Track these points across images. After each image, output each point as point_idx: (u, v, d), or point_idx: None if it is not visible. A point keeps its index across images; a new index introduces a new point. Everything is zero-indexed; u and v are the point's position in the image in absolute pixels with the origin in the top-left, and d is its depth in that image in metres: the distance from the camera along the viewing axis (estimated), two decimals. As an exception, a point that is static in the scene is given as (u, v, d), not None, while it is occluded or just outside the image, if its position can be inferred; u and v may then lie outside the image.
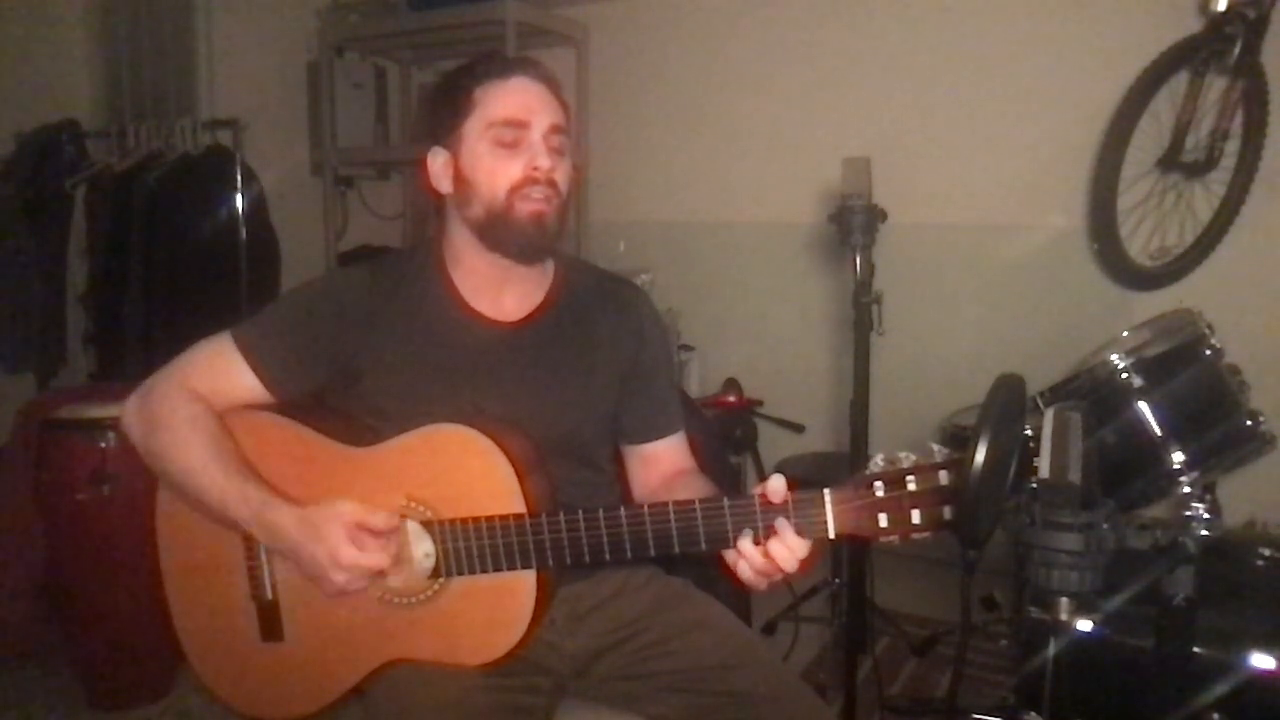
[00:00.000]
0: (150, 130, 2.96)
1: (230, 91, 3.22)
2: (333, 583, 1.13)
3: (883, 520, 1.05)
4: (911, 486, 1.04)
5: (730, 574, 1.12)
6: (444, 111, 1.25)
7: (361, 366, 1.24)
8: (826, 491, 1.06)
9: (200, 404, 1.20)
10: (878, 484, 1.05)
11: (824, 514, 1.06)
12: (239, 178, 2.95)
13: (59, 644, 2.29)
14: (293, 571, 1.19)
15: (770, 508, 1.07)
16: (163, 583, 1.29)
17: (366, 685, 1.21)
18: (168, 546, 1.29)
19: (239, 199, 2.96)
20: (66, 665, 2.29)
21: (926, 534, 1.05)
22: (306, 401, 1.27)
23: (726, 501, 1.09)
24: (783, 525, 1.06)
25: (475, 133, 1.21)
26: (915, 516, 1.04)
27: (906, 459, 1.06)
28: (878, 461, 1.07)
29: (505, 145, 1.20)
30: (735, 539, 1.08)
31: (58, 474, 2.14)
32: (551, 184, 1.21)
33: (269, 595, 1.23)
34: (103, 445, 2.11)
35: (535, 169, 1.20)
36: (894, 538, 1.06)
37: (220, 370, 1.22)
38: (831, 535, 1.06)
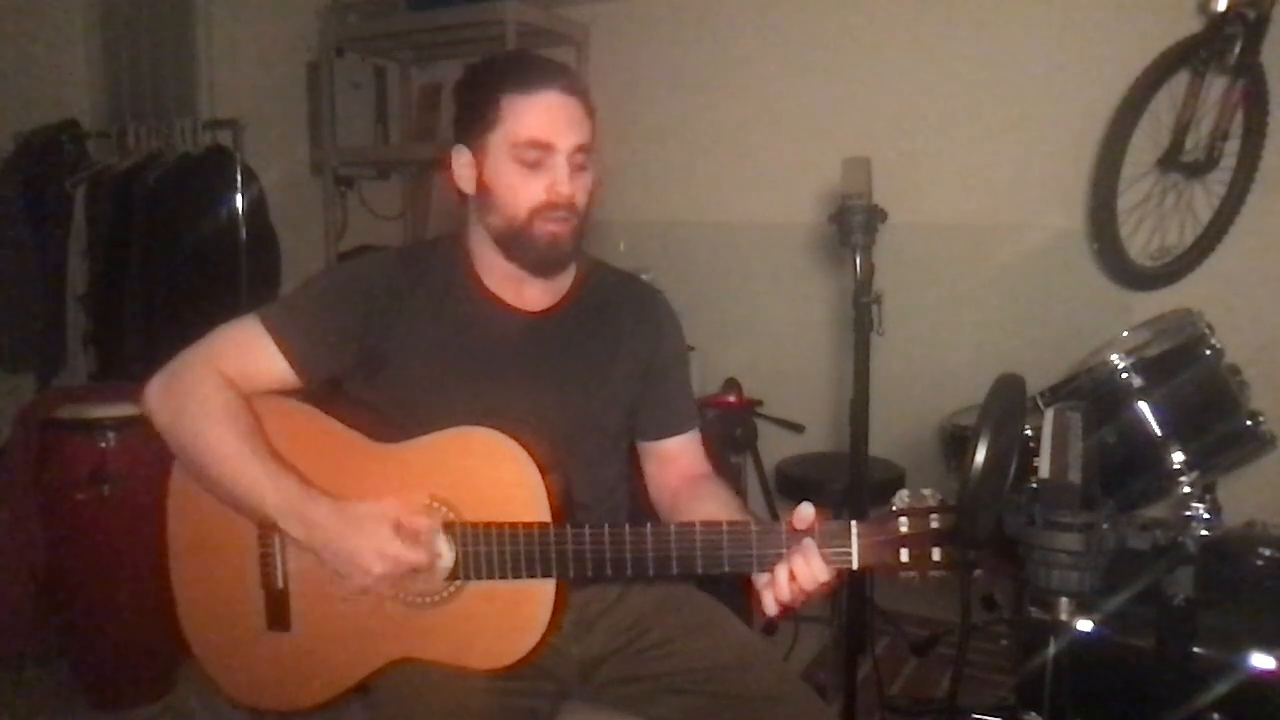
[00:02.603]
0: (150, 130, 2.96)
1: (230, 91, 3.21)
2: (368, 574, 1.13)
3: (904, 555, 1.06)
4: (935, 524, 1.05)
5: (754, 597, 1.12)
6: (469, 114, 1.23)
7: (387, 350, 1.24)
8: (853, 524, 1.07)
9: (232, 389, 1.19)
10: (902, 520, 1.06)
11: (849, 546, 1.07)
12: (239, 178, 2.93)
13: (59, 644, 2.29)
14: (307, 562, 1.18)
15: (797, 535, 1.07)
16: (167, 572, 1.28)
17: (371, 683, 1.21)
18: (178, 526, 1.28)
19: (239, 199, 2.94)
20: (66, 665, 2.29)
21: (945, 572, 1.06)
22: (326, 391, 1.26)
23: (754, 527, 1.10)
24: (809, 545, 1.06)
25: (499, 147, 1.20)
26: (936, 554, 1.05)
27: (933, 497, 1.07)
28: (903, 498, 1.07)
29: (528, 165, 1.19)
30: (758, 564, 1.09)
31: (58, 474, 2.14)
32: (571, 206, 1.21)
33: (280, 584, 1.22)
34: (103, 445, 2.11)
35: (557, 194, 1.20)
36: (913, 574, 1.07)
37: (248, 352, 1.21)
38: (855, 567, 1.07)
